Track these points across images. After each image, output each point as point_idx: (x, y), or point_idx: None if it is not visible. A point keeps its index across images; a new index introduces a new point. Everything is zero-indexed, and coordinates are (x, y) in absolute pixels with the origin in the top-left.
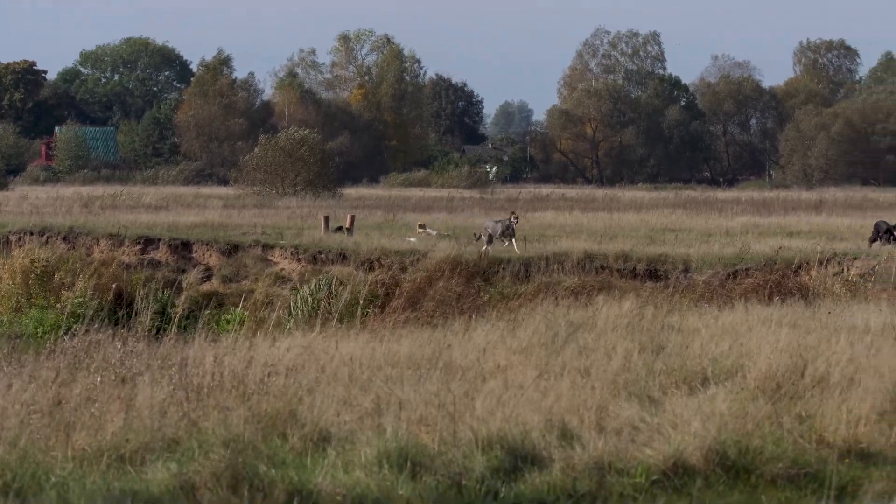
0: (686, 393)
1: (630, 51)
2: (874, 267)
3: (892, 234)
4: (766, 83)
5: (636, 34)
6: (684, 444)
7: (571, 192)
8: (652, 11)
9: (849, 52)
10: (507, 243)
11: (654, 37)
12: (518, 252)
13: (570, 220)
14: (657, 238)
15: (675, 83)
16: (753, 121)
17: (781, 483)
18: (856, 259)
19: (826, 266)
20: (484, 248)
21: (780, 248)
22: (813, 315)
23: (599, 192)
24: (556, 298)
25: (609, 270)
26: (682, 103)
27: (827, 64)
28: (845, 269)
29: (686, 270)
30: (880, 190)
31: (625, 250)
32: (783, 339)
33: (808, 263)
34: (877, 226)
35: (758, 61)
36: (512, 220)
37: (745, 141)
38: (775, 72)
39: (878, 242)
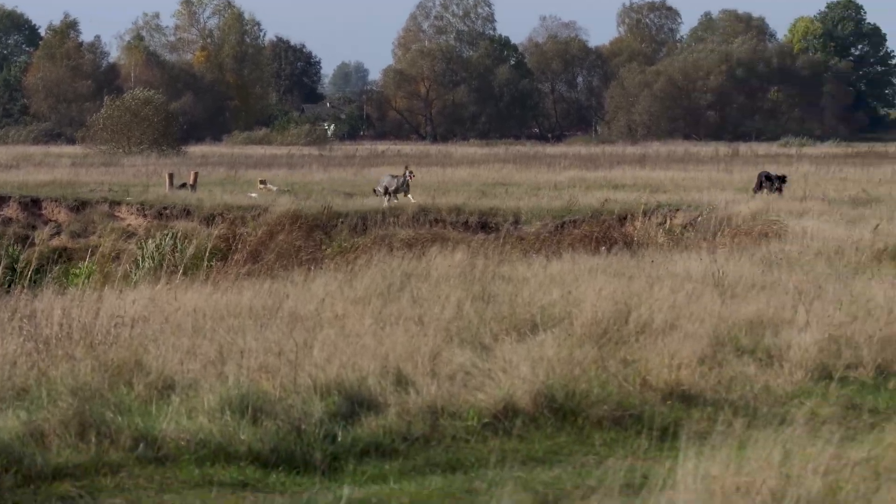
0: (516, 339)
1: (461, 12)
2: (696, 217)
3: (773, 184)
4: (592, 43)
5: None
6: (514, 388)
7: (406, 148)
8: None
9: (670, 13)
10: (402, 196)
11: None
12: (414, 202)
13: None
14: (488, 192)
15: (505, 43)
16: (580, 79)
17: (607, 424)
18: (678, 210)
19: (650, 217)
20: (387, 203)
21: (606, 200)
22: (637, 264)
23: (433, 149)
24: (392, 250)
25: (442, 223)
26: (512, 63)
27: (650, 24)
28: (668, 220)
29: (516, 223)
30: (701, 144)
31: (457, 204)
32: (608, 288)
33: (632, 215)
34: (759, 176)
35: (584, 21)
36: (408, 175)
37: (573, 98)
38: (601, 32)
39: (762, 191)
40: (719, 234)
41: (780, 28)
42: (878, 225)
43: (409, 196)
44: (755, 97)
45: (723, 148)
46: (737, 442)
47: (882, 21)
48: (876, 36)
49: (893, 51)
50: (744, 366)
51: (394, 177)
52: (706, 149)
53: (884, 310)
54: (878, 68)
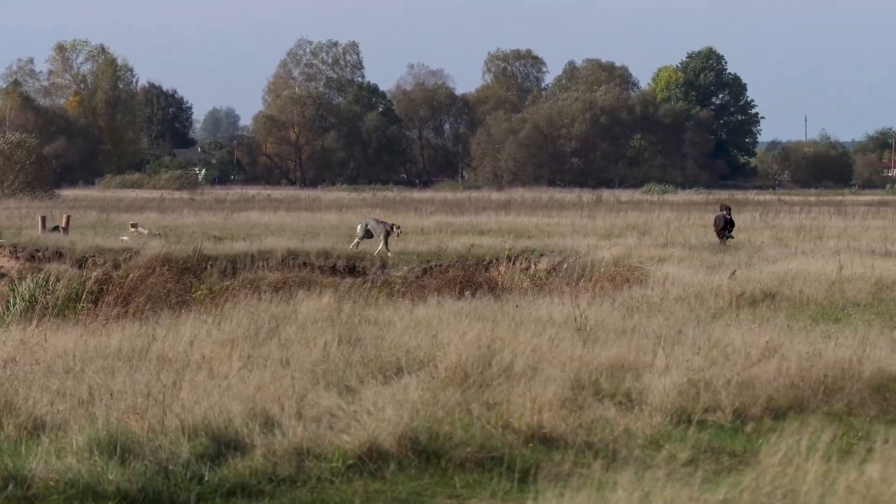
0: (381, 382)
1: (331, 60)
2: (559, 263)
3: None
4: (459, 90)
5: (336, 44)
6: (379, 430)
7: (276, 193)
8: (352, 22)
9: (535, 61)
10: (381, 245)
11: (354, 46)
12: (388, 254)
13: (275, 219)
14: (356, 236)
15: (374, 90)
16: (447, 126)
17: (470, 466)
18: (542, 255)
19: (514, 262)
20: (355, 242)
21: (472, 245)
22: (501, 308)
23: (302, 193)
24: (260, 293)
25: (311, 267)
26: (380, 109)
27: (515, 72)
28: (532, 265)
29: (384, 267)
30: (565, 191)
31: (326, 248)
32: (472, 331)
33: (497, 260)
34: (721, 214)
35: (451, 69)
36: (394, 229)
37: (440, 145)
38: (467, 79)
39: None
40: (582, 279)
41: (643, 77)
42: (734, 271)
43: (388, 245)
44: (618, 144)
45: (586, 194)
46: (596, 484)
47: (742, 71)
48: (736, 85)
49: (753, 100)
50: (604, 409)
51: (380, 222)
52: (570, 195)
53: (741, 354)
54: (739, 117)
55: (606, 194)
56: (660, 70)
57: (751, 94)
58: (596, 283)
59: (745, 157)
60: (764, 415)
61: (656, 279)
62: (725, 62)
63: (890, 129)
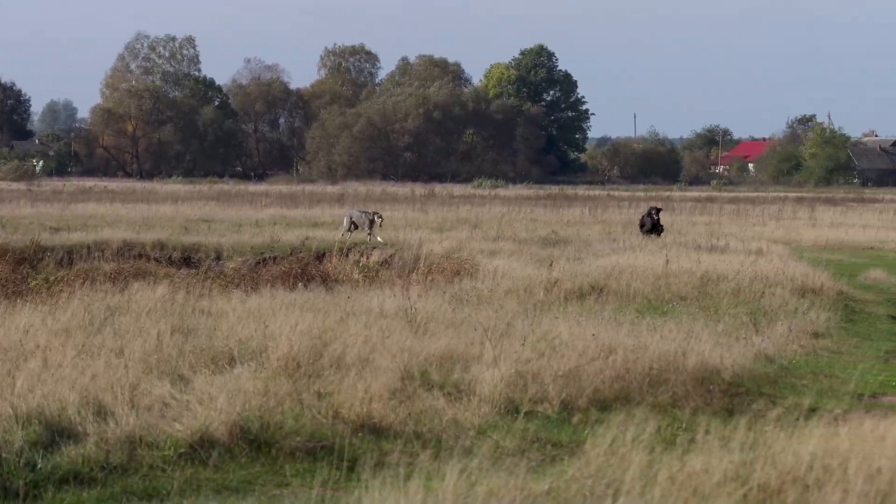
0: (214, 372)
1: (168, 54)
2: (391, 255)
3: (657, 226)
4: (294, 85)
5: (173, 38)
6: (210, 419)
7: (113, 185)
8: (189, 16)
9: (370, 57)
10: (368, 234)
11: (190, 41)
12: (379, 240)
13: (111, 210)
14: (192, 228)
15: (210, 84)
16: (282, 120)
17: (300, 455)
18: (374, 248)
19: (347, 254)
20: (343, 234)
21: (306, 238)
22: (333, 300)
23: (139, 185)
24: (96, 284)
25: (146, 258)
26: (216, 103)
27: (350, 67)
28: (364, 258)
29: (218, 258)
30: (398, 184)
31: (161, 239)
32: (304, 322)
33: (330, 252)
34: (649, 213)
35: (287, 64)
36: (376, 217)
37: (275, 138)
38: (303, 74)
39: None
40: (413, 271)
41: (476, 73)
42: (551, 262)
43: (378, 236)
44: (451, 139)
45: (419, 188)
46: (424, 473)
47: (573, 68)
48: (567, 82)
49: (584, 96)
50: (433, 399)
51: (363, 212)
52: (403, 189)
53: (568, 347)
54: (569, 113)
55: (439, 188)
56: (492, 67)
57: (581, 90)
58: (427, 276)
59: (576, 153)
60: (590, 406)
61: (486, 272)
62: (556, 59)
63: (717, 126)
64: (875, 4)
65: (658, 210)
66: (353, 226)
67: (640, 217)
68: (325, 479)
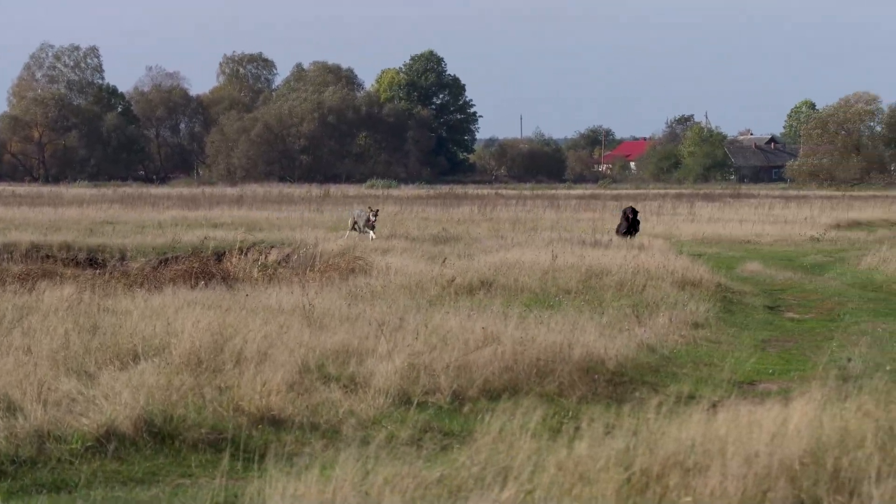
0: (119, 368)
1: (72, 63)
2: (289, 254)
3: (635, 226)
4: (194, 91)
5: (77, 48)
6: (116, 413)
7: (21, 189)
8: (92, 26)
9: (266, 63)
10: (369, 231)
11: (94, 51)
12: (373, 238)
13: (19, 214)
14: (97, 230)
15: (113, 92)
16: (183, 125)
17: (202, 447)
18: (272, 247)
19: (246, 254)
20: (347, 234)
21: (206, 238)
22: (233, 297)
23: (45, 190)
24: (5, 284)
25: (53, 259)
26: (119, 110)
27: (247, 74)
28: (263, 257)
29: (122, 258)
30: (295, 186)
31: (68, 241)
32: (205, 319)
33: (230, 252)
34: (625, 213)
35: (187, 71)
36: (372, 214)
37: (176, 143)
38: (202, 81)
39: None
40: (310, 269)
41: (368, 78)
42: (445, 259)
43: (372, 233)
44: (345, 142)
45: (315, 189)
46: (320, 462)
47: (461, 72)
48: (456, 86)
49: (472, 100)
50: (330, 392)
51: (362, 212)
52: (299, 190)
53: (459, 339)
54: (458, 116)
55: (334, 189)
56: (383, 72)
57: (469, 94)
58: (323, 273)
59: (465, 154)
60: (480, 396)
61: (380, 269)
62: (445, 64)
63: (600, 126)
64: (750, 9)
65: (635, 211)
66: (356, 224)
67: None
68: (226, 470)
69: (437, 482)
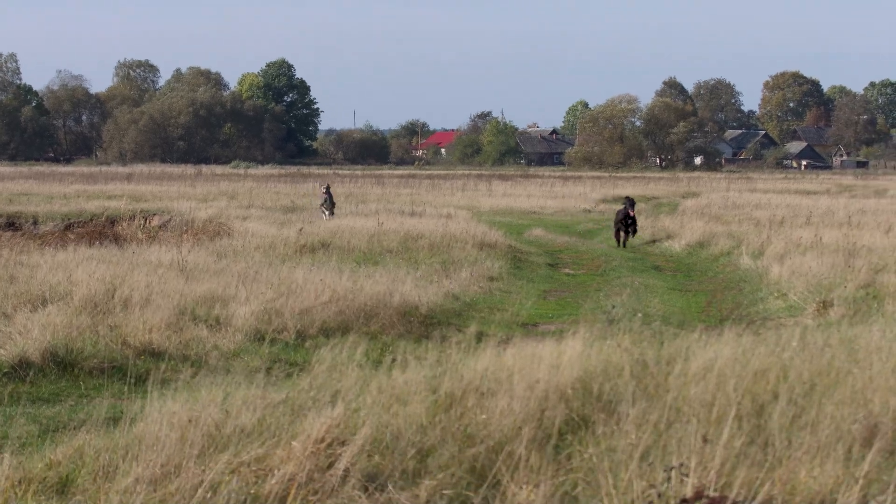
0: (31, 310)
1: None
2: (168, 220)
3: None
4: (94, 90)
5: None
6: (27, 346)
7: None
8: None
9: (152, 68)
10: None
11: (13, 56)
12: (328, 218)
13: None
14: (15, 200)
15: (29, 90)
16: (84, 116)
17: (96, 373)
18: (155, 215)
19: (134, 220)
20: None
21: (104, 208)
22: (122, 254)
23: None
24: None
25: None
26: (34, 104)
27: (137, 76)
28: (147, 222)
29: (35, 223)
30: (174, 166)
31: None
32: (100, 272)
33: (121, 218)
34: (625, 204)
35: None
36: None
37: (79, 131)
38: (101, 81)
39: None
40: (185, 232)
41: (232, 80)
42: (301, 228)
43: (327, 212)
44: (214, 131)
45: (189, 169)
46: (190, 386)
47: (308, 76)
48: (302, 87)
49: (315, 98)
50: (199, 330)
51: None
52: (177, 169)
53: (303, 289)
54: (304, 111)
55: (205, 169)
56: (245, 75)
57: (313, 93)
58: (195, 236)
59: (309, 142)
60: (319, 334)
61: (240, 232)
62: (294, 69)
63: (417, 120)
64: (535, 23)
65: (632, 202)
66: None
67: (616, 212)
68: (115, 392)
69: (283, 402)
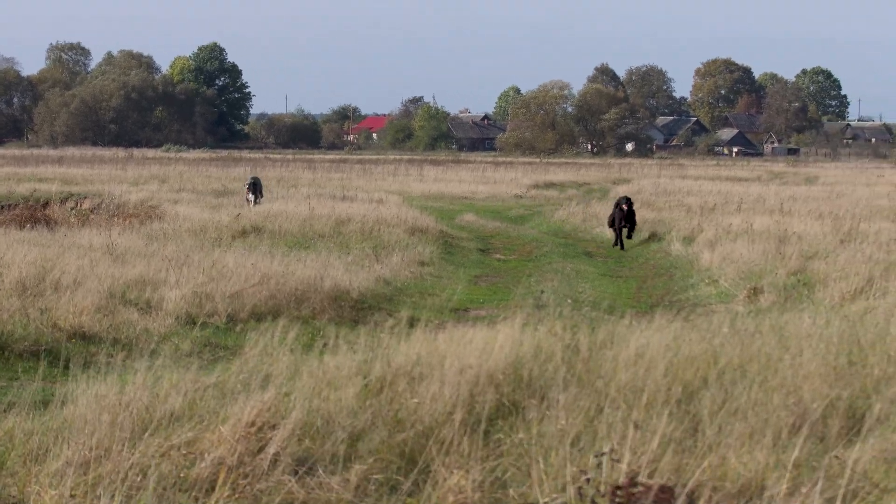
0: None
1: None
2: (99, 203)
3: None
4: (25, 72)
5: None
6: None
7: None
8: None
9: (83, 51)
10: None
11: None
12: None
13: None
14: None
15: None
16: (16, 99)
17: (27, 356)
18: (86, 198)
19: (65, 203)
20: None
21: (35, 190)
22: (53, 237)
23: None
24: None
25: None
26: None
27: (68, 59)
28: (78, 205)
29: None
30: (105, 149)
31: None
32: (31, 255)
33: (52, 201)
34: (618, 203)
35: (21, 56)
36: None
37: (10, 113)
38: (32, 64)
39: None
40: (116, 216)
41: (164, 64)
42: (239, 213)
43: (252, 199)
44: (145, 115)
45: (121, 152)
46: (120, 369)
47: (240, 60)
48: (234, 71)
49: (247, 82)
50: (129, 314)
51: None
52: (108, 152)
53: (234, 273)
54: (236, 95)
55: (136, 152)
56: (176, 59)
57: (245, 77)
58: (126, 220)
59: (241, 126)
60: (250, 318)
61: (172, 216)
62: (226, 53)
63: (349, 104)
64: (470, 3)
65: (629, 202)
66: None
67: (609, 215)
68: (45, 375)
69: (214, 386)
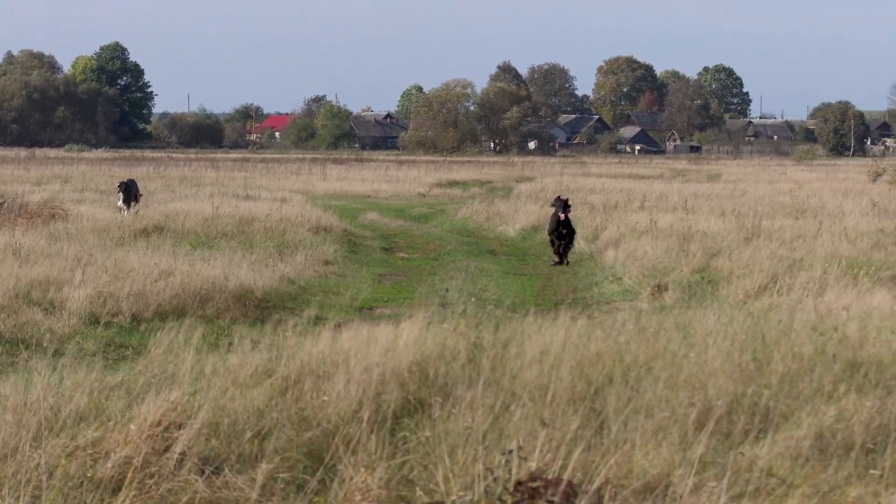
0: None
1: None
2: (2, 203)
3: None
4: None
5: None
6: None
7: None
8: None
9: None
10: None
11: None
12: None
13: None
14: None
15: None
16: None
17: None
18: None
19: None
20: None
21: None
22: None
23: None
24: None
25: None
26: None
27: None
28: None
29: None
30: (6, 149)
31: None
32: None
33: None
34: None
35: None
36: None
37: None
38: None
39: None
40: (19, 216)
41: (66, 63)
42: (137, 212)
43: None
44: (48, 114)
45: (23, 152)
46: (25, 369)
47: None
48: (137, 71)
49: (149, 81)
50: (34, 313)
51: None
52: (10, 152)
53: (138, 273)
54: (138, 94)
55: (39, 152)
56: (78, 58)
57: (147, 77)
58: (29, 220)
59: (143, 125)
60: (154, 317)
61: (75, 216)
62: (129, 53)
63: (252, 104)
64: (373, 1)
65: (566, 206)
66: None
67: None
68: None
69: (119, 386)
